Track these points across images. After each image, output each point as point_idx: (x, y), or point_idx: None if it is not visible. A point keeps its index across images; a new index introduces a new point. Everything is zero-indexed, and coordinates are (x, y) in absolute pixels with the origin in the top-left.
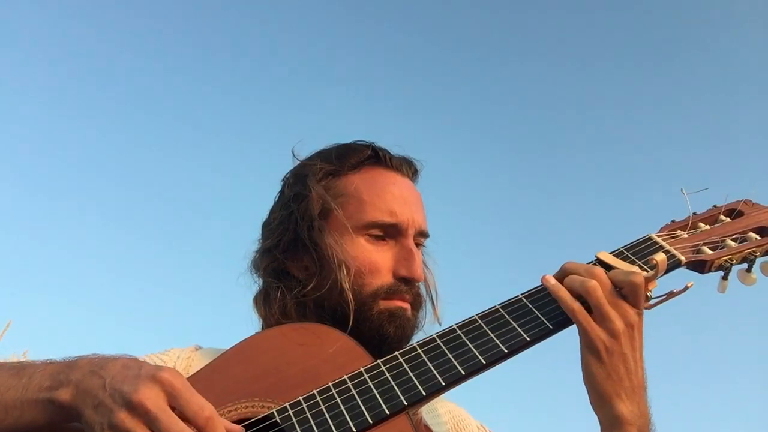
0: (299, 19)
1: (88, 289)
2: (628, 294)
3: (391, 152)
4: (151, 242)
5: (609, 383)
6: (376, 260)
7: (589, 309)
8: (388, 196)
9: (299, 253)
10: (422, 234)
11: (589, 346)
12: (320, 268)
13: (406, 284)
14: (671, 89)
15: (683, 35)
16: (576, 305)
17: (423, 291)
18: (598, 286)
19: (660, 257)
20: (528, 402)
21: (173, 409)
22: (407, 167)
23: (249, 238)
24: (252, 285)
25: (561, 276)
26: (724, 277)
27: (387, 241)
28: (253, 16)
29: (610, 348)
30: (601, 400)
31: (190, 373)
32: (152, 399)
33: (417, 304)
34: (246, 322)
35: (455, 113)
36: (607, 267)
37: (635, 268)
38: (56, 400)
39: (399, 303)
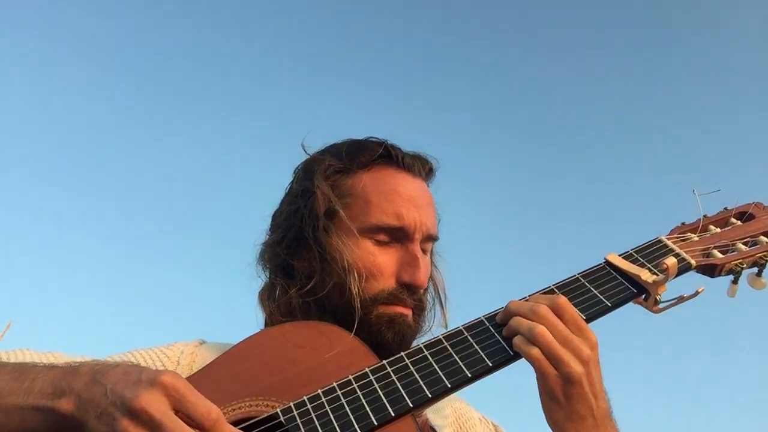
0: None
1: (89, 281)
2: (569, 324)
3: (404, 151)
4: (153, 234)
5: (570, 424)
6: (380, 263)
7: None
8: (396, 198)
9: (303, 251)
10: (430, 238)
11: (548, 393)
12: (323, 268)
13: (408, 290)
14: (682, 88)
15: (690, 31)
16: (535, 350)
17: (431, 293)
18: (546, 330)
19: (671, 261)
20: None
21: (177, 412)
22: (420, 167)
23: (255, 230)
24: (257, 278)
25: (506, 318)
26: (734, 281)
27: (393, 245)
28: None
29: (567, 392)
30: None
31: (195, 368)
32: (155, 404)
33: (419, 310)
34: (251, 317)
35: (471, 108)
36: (617, 270)
37: (645, 271)
38: (58, 410)
39: (399, 309)
